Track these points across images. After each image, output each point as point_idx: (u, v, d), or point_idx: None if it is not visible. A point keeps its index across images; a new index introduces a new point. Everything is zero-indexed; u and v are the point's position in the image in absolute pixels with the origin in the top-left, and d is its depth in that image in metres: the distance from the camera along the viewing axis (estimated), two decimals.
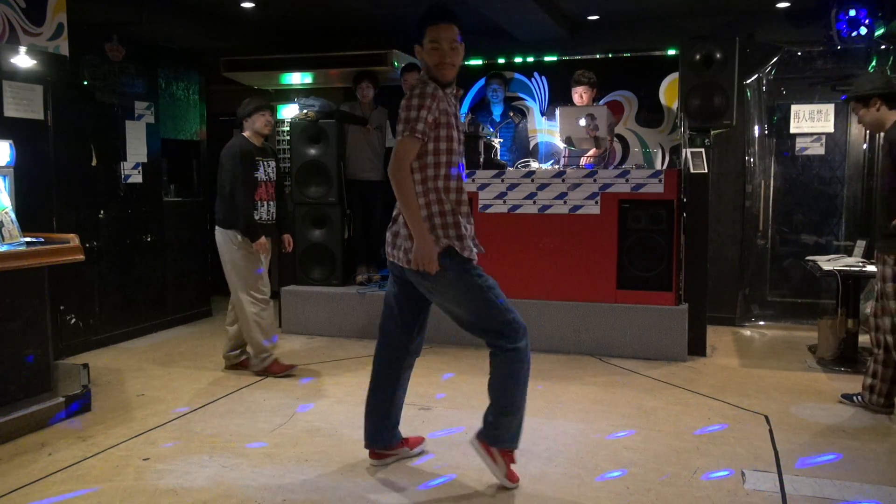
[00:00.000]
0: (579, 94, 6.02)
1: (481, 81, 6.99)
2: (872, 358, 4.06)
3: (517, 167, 5.83)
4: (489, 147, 5.89)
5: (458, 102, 3.13)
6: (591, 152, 5.75)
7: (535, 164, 6.08)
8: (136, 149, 5.93)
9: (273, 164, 4.87)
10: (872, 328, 4.06)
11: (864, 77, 4.33)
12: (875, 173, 4.16)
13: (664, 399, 4.30)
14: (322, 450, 3.48)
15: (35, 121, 4.88)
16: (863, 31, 5.67)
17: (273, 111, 4.87)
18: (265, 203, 4.76)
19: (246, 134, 4.76)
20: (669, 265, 5.21)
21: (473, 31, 6.69)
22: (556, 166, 5.75)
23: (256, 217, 4.67)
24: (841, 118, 6.25)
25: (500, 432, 3.01)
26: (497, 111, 6.63)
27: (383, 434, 3.25)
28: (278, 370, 4.76)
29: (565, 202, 5.36)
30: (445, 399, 4.28)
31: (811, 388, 4.51)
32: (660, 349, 5.20)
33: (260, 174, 4.73)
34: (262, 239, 4.65)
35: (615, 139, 5.90)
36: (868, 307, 5.86)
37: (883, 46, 5.92)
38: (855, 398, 4.17)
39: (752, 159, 6.41)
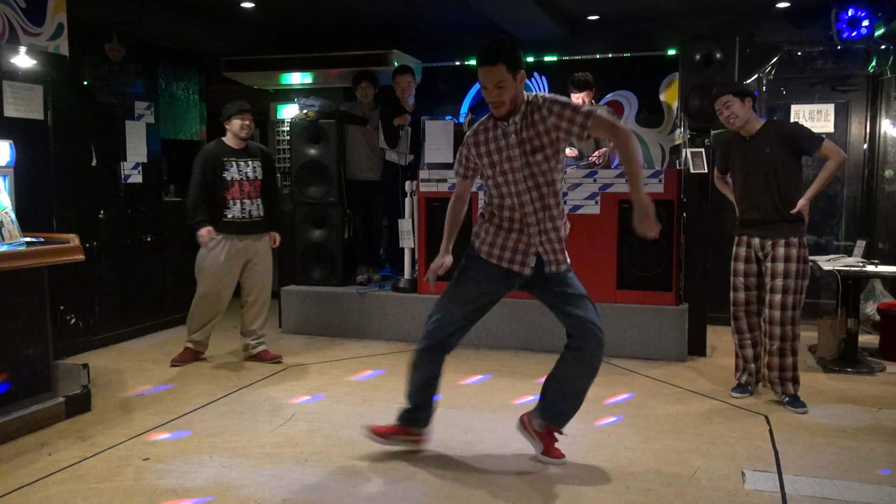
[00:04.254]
0: (581, 99, 5.97)
1: None
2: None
3: None
4: None
5: (521, 127, 3.03)
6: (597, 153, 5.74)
7: None
8: (136, 149, 5.93)
9: (253, 163, 4.99)
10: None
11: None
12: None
13: (664, 399, 4.31)
14: (322, 450, 3.48)
15: (35, 121, 4.88)
16: (863, 31, 5.68)
17: (252, 114, 5.00)
18: (237, 202, 4.92)
19: (226, 137, 4.97)
20: (669, 265, 5.21)
21: (473, 31, 6.75)
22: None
23: (229, 215, 4.89)
24: (841, 118, 6.25)
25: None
26: None
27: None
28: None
29: (565, 202, 5.34)
30: (445, 399, 4.28)
31: (811, 388, 4.50)
32: (660, 349, 5.20)
33: (232, 174, 4.90)
34: (200, 230, 4.83)
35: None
36: (868, 307, 5.88)
37: (883, 46, 5.92)
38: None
39: None
